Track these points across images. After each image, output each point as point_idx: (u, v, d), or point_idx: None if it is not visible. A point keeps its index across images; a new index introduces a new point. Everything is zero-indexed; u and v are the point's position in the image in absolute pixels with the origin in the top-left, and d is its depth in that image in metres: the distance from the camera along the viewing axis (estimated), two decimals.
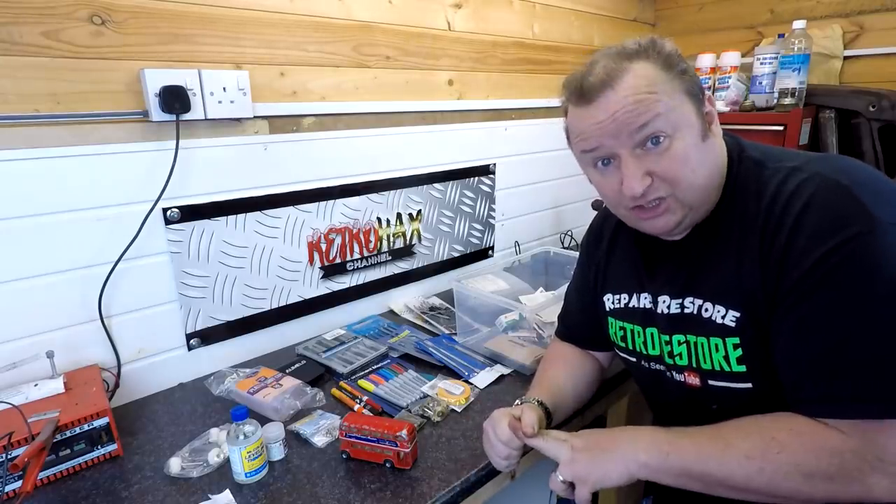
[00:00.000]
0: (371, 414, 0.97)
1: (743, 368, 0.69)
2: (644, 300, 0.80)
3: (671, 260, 0.77)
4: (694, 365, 0.74)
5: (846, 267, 0.58)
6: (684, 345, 0.74)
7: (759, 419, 0.65)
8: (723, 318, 0.69)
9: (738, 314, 0.68)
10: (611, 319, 0.88)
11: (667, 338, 0.77)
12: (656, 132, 0.65)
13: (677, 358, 0.76)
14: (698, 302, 0.72)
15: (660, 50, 0.68)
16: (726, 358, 0.70)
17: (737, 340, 0.68)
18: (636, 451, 0.68)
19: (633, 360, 0.85)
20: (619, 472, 0.69)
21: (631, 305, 0.83)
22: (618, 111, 0.65)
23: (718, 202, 0.71)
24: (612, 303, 0.87)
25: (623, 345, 0.86)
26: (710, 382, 0.73)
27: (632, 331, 0.83)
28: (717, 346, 0.70)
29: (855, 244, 0.57)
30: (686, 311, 0.74)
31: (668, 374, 0.79)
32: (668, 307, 0.76)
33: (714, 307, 0.70)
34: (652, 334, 0.80)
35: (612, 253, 0.89)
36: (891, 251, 0.57)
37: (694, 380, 0.75)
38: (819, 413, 0.61)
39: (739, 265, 0.67)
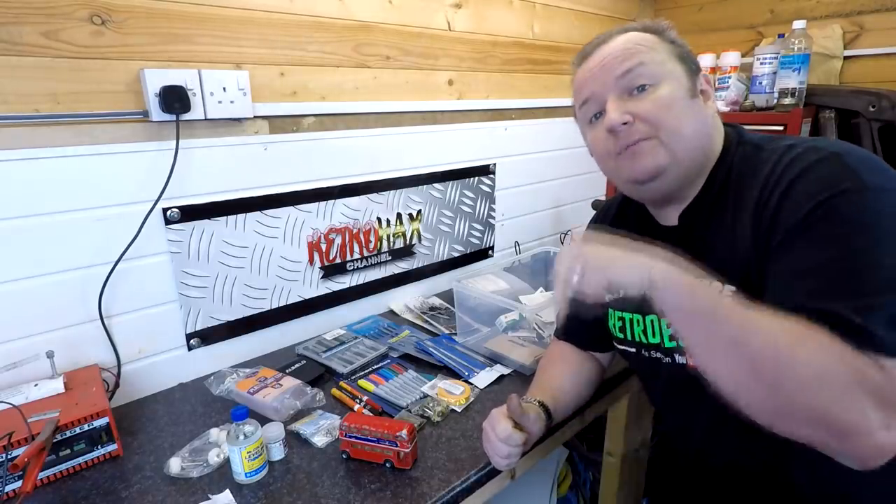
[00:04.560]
0: (371, 414, 0.97)
1: None
2: None
3: (669, 243, 0.77)
4: None
5: (835, 211, 0.57)
6: None
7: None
8: (720, 293, 0.68)
9: (733, 288, 0.67)
10: (610, 311, 0.88)
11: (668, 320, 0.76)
12: (639, 80, 0.70)
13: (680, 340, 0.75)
14: None
15: (656, 25, 0.74)
16: None
17: None
18: (669, 262, 0.60)
19: (633, 350, 0.85)
20: (637, 266, 0.60)
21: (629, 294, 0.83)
22: (606, 58, 0.72)
23: (714, 182, 0.72)
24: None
25: (622, 336, 0.86)
26: None
27: (631, 320, 0.84)
28: None
29: (843, 198, 0.57)
30: None
31: (666, 360, 0.79)
32: None
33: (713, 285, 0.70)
34: (652, 321, 0.80)
35: None
36: (878, 210, 0.57)
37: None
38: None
39: (734, 238, 0.68)
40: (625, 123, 0.70)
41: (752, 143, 0.72)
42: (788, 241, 0.61)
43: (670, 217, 0.78)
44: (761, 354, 0.53)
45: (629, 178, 0.74)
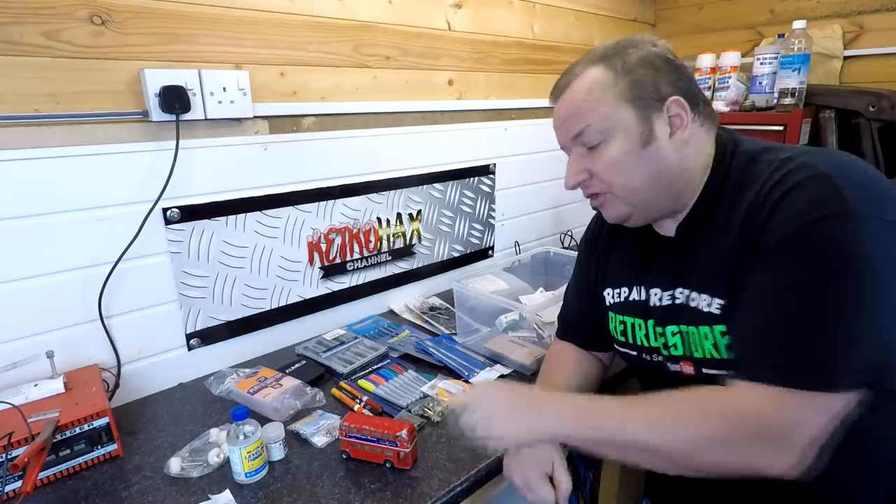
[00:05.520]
0: (371, 414, 0.97)
1: (733, 355, 0.69)
2: (642, 292, 0.82)
3: (664, 253, 0.79)
4: (687, 354, 0.75)
5: (807, 244, 0.59)
6: (678, 335, 0.76)
7: (686, 390, 0.68)
8: (708, 306, 0.70)
9: (722, 301, 0.69)
10: (611, 314, 0.88)
11: (661, 329, 0.78)
12: (589, 139, 0.73)
13: (672, 349, 0.77)
14: (685, 292, 0.74)
15: (625, 56, 0.72)
16: (715, 346, 0.71)
17: (724, 328, 0.69)
18: (555, 412, 0.73)
19: (634, 353, 0.85)
20: (530, 428, 0.74)
21: (631, 298, 0.84)
22: (560, 117, 0.78)
23: (709, 194, 0.73)
24: (612, 297, 0.88)
25: (623, 339, 0.86)
26: (704, 371, 0.74)
27: (632, 324, 0.84)
28: (706, 334, 0.71)
29: (824, 225, 0.58)
30: (676, 301, 0.75)
31: (666, 365, 0.80)
32: (661, 299, 0.78)
33: (700, 296, 0.72)
34: (652, 326, 0.81)
35: (612, 247, 0.91)
36: (857, 240, 0.57)
37: (689, 369, 0.76)
38: (738, 376, 0.64)
39: (723, 252, 0.69)
40: (583, 179, 0.77)
41: (748, 154, 0.72)
42: (765, 259, 0.63)
43: (668, 228, 0.79)
44: (651, 444, 0.65)
45: (607, 218, 0.81)
